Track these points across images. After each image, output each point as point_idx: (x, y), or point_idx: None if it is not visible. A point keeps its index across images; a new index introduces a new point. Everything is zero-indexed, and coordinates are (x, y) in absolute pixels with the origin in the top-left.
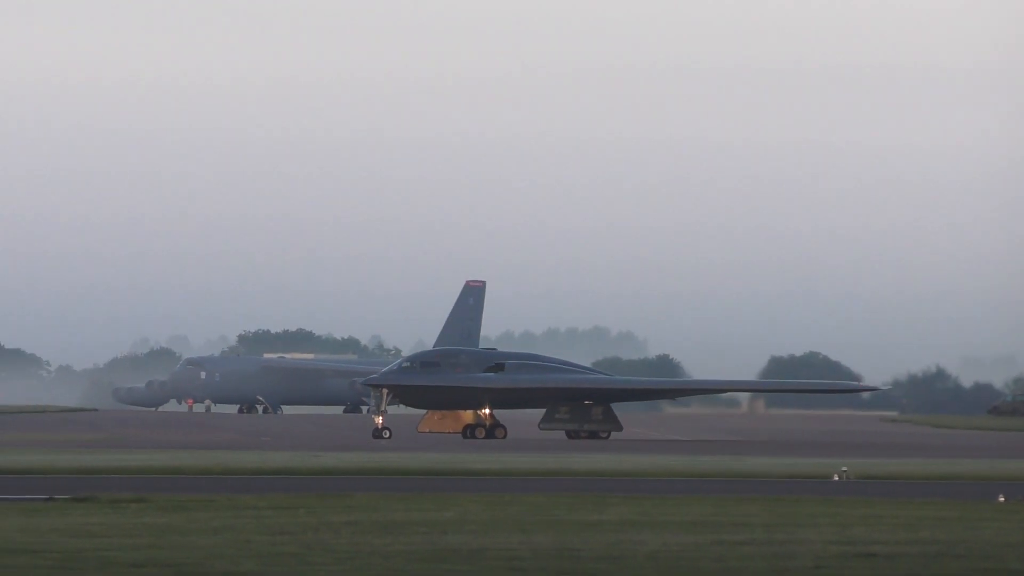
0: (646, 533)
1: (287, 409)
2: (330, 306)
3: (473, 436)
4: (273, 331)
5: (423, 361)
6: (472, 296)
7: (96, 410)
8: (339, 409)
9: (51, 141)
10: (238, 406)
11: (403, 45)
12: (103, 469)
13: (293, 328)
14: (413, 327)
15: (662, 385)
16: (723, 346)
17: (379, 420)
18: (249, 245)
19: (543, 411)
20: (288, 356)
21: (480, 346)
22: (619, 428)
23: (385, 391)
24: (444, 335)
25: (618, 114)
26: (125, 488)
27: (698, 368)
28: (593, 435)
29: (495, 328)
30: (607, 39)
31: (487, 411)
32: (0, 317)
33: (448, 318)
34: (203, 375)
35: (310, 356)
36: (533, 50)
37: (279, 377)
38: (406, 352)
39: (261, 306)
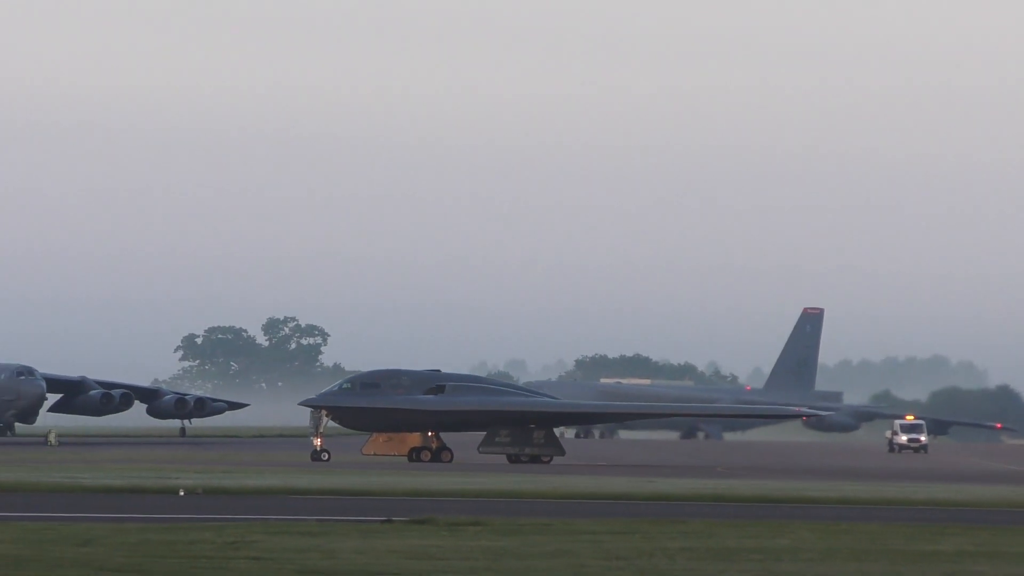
0: (983, 564)
1: (623, 434)
2: (667, 331)
3: (419, 459)
4: (610, 356)
5: (363, 382)
6: (809, 323)
7: None
8: (675, 435)
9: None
10: (575, 430)
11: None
12: (441, 492)
13: (630, 353)
14: (750, 353)
15: (605, 409)
16: None
17: (318, 442)
18: (587, 270)
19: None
20: (624, 382)
21: (815, 377)
22: (561, 452)
23: (324, 412)
24: (781, 362)
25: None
26: (462, 511)
27: None
28: (535, 459)
29: (832, 356)
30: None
31: (431, 433)
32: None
33: (785, 345)
34: None
35: (647, 382)
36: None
37: (615, 402)
38: (743, 379)
39: (599, 330)
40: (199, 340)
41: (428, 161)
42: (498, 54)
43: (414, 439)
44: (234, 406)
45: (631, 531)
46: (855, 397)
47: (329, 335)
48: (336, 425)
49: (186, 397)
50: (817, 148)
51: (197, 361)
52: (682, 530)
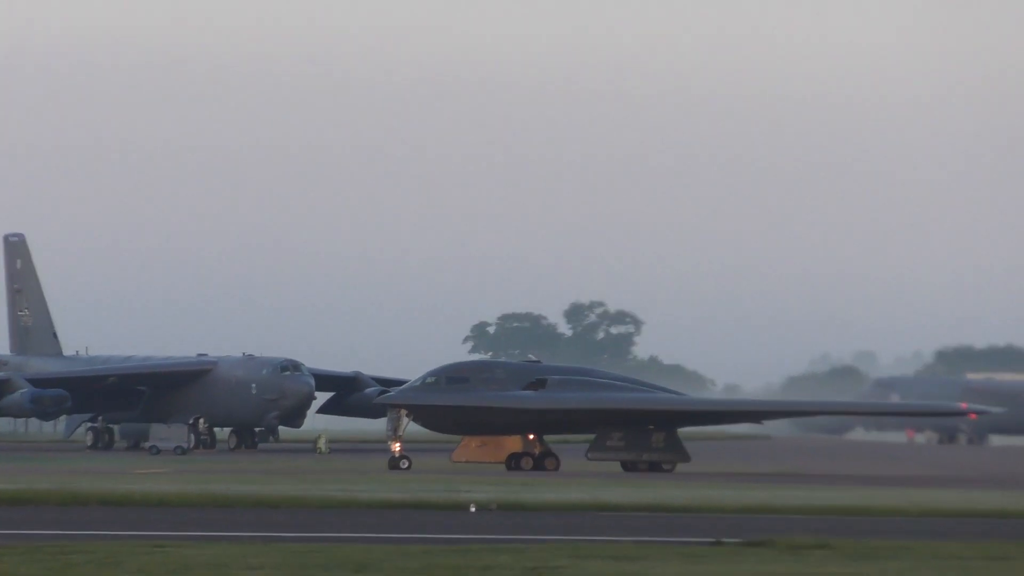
0: None
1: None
2: None
3: (518, 467)
4: (977, 346)
5: (449, 376)
6: None
7: (769, 437)
8: (931, 436)
9: None
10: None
11: None
12: (782, 508)
13: (1001, 343)
14: None
15: (741, 407)
16: None
17: (396, 447)
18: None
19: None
20: (997, 377)
21: None
22: (686, 458)
23: (403, 412)
24: None
25: None
26: (806, 530)
27: None
28: (654, 466)
29: None
30: None
31: (533, 437)
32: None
33: None
34: (895, 397)
35: (1022, 377)
36: None
37: (984, 402)
38: None
39: (966, 317)
40: (491, 329)
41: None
42: None
43: (513, 443)
44: None
45: (1007, 556)
46: None
47: (643, 323)
48: (420, 427)
49: None
50: None
51: (489, 353)
52: None
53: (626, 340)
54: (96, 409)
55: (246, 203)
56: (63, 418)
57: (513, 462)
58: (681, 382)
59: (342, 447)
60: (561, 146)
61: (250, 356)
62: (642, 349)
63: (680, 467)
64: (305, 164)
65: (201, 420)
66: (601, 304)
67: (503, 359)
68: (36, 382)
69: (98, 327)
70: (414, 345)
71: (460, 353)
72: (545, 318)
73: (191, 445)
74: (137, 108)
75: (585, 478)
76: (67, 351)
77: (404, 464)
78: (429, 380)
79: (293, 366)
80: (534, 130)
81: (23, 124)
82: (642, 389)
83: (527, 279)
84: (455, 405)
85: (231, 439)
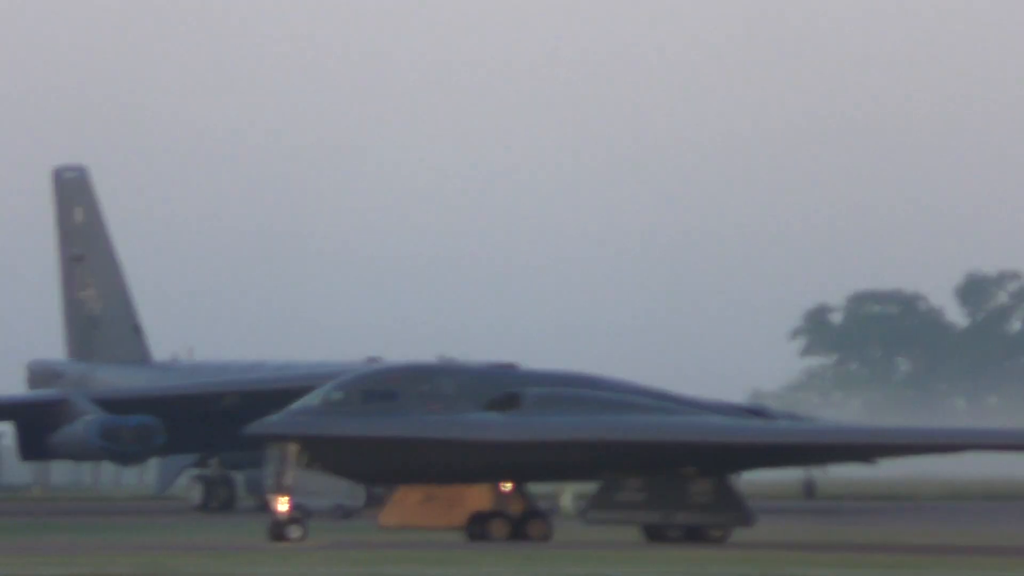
0: None
1: None
2: None
3: (484, 535)
4: None
5: (367, 390)
6: None
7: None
8: None
9: None
10: None
11: None
12: None
13: None
14: None
15: (848, 439)
16: None
17: (283, 503)
18: None
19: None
20: None
21: None
22: (745, 519)
23: (294, 448)
24: None
25: None
26: None
27: None
28: (694, 532)
29: None
30: None
31: (510, 487)
32: None
33: None
34: None
35: None
36: None
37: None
38: None
39: None
40: (836, 317)
41: None
42: None
43: (477, 496)
44: None
45: None
46: None
47: None
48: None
49: None
50: None
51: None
52: None
53: None
54: (206, 447)
55: None
56: (153, 461)
57: (477, 527)
58: None
59: None
60: None
61: (446, 359)
62: None
63: (737, 533)
64: None
65: None
66: (1018, 275)
67: (455, 360)
68: (109, 404)
69: (198, 318)
70: (714, 343)
71: (786, 354)
72: (924, 298)
73: (359, 504)
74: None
75: (594, 550)
76: (158, 355)
77: (294, 533)
78: (334, 396)
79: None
80: None
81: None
82: (679, 409)
83: (895, 242)
84: (376, 436)
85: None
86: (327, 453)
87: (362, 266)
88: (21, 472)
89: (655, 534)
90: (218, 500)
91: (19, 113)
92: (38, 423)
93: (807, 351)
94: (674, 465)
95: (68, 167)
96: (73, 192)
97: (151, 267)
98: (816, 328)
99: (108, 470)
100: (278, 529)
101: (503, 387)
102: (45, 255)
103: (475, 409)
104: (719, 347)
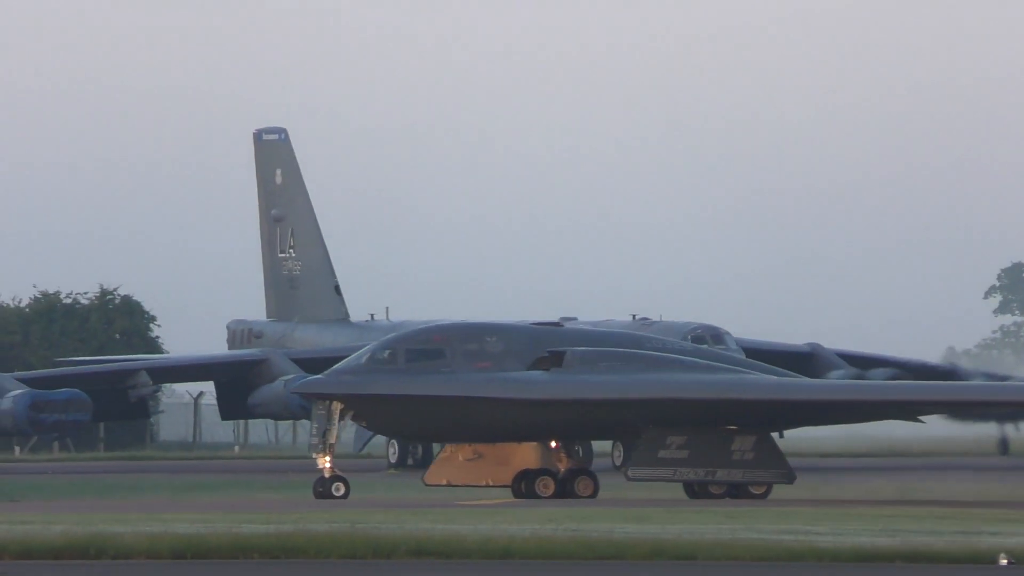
0: None
1: None
2: None
3: (533, 493)
4: None
5: (412, 349)
6: None
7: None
8: None
9: None
10: None
11: None
12: None
13: None
14: None
15: (863, 394)
16: None
17: (325, 462)
18: None
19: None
20: None
21: None
22: (787, 476)
23: (337, 407)
24: None
25: None
26: None
27: None
28: (736, 490)
29: None
30: None
31: (557, 445)
32: None
33: None
34: None
35: None
36: None
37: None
38: None
39: None
40: None
41: None
42: None
43: (525, 455)
44: None
45: None
46: None
47: None
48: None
49: None
50: None
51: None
52: None
53: None
54: None
55: None
56: (349, 422)
57: (524, 485)
58: None
59: None
60: None
61: (644, 320)
62: None
63: (777, 490)
64: None
65: None
66: None
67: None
68: (307, 364)
69: (391, 280)
70: (902, 303)
71: (981, 313)
72: None
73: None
74: None
75: (644, 508)
76: (355, 315)
77: (338, 491)
78: (380, 355)
79: (713, 335)
80: None
81: None
82: (720, 367)
83: None
84: (423, 395)
85: (615, 451)
86: (372, 411)
87: (554, 234)
88: (216, 432)
89: (698, 490)
90: (414, 459)
91: (223, 75)
92: (238, 383)
93: (1002, 309)
94: (716, 421)
95: (268, 129)
96: (273, 154)
97: (345, 229)
98: (1012, 286)
99: (305, 429)
100: (323, 486)
101: (549, 345)
102: (249, 217)
103: (521, 368)
104: (914, 304)
